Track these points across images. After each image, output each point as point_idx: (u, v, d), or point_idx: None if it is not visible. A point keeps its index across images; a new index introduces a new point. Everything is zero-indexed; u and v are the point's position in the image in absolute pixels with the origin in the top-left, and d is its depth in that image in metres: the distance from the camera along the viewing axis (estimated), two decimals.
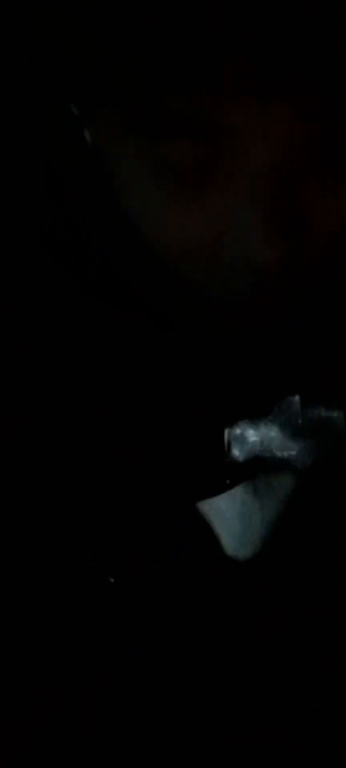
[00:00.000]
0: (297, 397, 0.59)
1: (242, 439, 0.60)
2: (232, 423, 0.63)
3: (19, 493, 0.68)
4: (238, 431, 0.61)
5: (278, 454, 0.61)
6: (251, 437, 0.60)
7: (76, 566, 0.70)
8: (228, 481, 0.66)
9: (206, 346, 0.64)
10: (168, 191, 0.45)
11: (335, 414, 0.60)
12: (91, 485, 0.68)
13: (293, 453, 0.62)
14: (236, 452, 0.60)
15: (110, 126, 0.45)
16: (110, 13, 0.41)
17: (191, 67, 0.40)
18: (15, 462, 0.67)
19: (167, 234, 0.48)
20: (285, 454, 0.61)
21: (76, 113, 0.47)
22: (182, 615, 0.70)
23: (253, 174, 0.43)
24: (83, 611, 0.70)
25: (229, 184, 0.44)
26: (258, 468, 0.62)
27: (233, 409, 0.64)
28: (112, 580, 0.65)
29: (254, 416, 0.61)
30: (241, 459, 0.61)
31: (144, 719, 0.69)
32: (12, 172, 0.58)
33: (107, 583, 0.68)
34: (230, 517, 0.67)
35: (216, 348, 0.62)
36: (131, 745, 0.69)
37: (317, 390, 0.63)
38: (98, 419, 0.66)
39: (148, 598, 0.70)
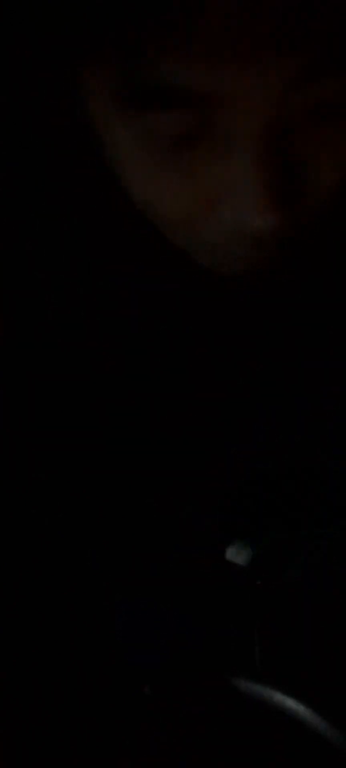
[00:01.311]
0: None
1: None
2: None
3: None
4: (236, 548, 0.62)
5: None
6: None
7: (76, 569, 0.70)
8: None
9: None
10: (161, 161, 0.45)
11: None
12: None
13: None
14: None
15: (103, 95, 0.44)
16: None
17: (180, 34, 0.39)
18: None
19: (161, 203, 0.47)
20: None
21: (68, 79, 0.46)
22: (182, 614, 0.70)
23: (246, 141, 0.42)
24: (83, 612, 0.70)
25: (222, 153, 0.44)
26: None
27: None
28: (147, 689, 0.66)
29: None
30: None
31: (144, 719, 0.69)
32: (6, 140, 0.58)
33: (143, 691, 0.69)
34: None
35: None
36: (131, 745, 0.69)
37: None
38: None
39: (147, 598, 0.70)
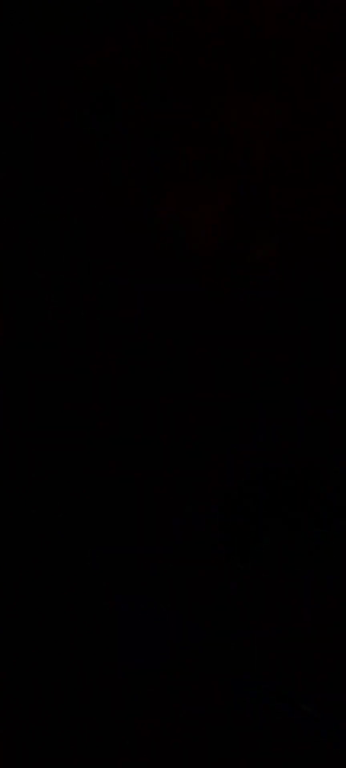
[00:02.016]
0: None
1: None
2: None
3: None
4: None
5: None
6: None
7: (76, 569, 0.70)
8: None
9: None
10: (176, 188, 0.45)
11: None
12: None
13: None
14: None
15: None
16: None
17: (190, 72, 0.40)
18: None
19: (177, 228, 0.48)
20: None
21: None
22: (181, 615, 0.70)
23: (249, 174, 0.43)
24: (83, 612, 0.70)
25: (230, 183, 0.44)
26: None
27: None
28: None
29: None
30: None
31: (143, 719, 0.69)
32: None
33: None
34: None
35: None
36: (131, 745, 0.69)
37: None
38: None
39: (148, 599, 0.70)
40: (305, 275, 0.55)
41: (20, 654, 0.70)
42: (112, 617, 0.71)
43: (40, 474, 0.70)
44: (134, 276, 0.62)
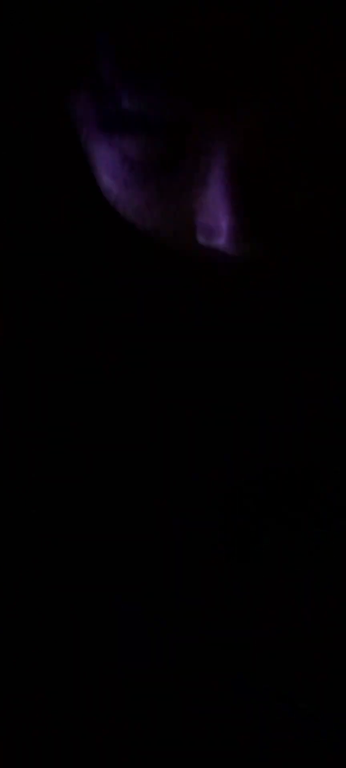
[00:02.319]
0: None
1: None
2: None
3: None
4: None
5: None
6: None
7: (76, 570, 0.70)
8: None
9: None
10: (140, 182, 0.45)
11: None
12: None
13: None
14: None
15: (85, 115, 0.45)
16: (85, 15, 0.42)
17: (146, 73, 0.40)
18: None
19: (146, 222, 0.48)
20: None
21: (55, 96, 0.47)
22: (181, 615, 0.70)
23: (218, 170, 0.43)
24: (83, 612, 0.70)
25: (198, 181, 0.45)
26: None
27: None
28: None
29: None
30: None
31: (144, 721, 0.69)
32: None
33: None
34: None
35: None
36: (131, 746, 0.69)
37: None
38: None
39: (147, 600, 0.70)
40: (304, 275, 0.56)
41: (20, 654, 0.71)
42: (112, 618, 0.72)
43: (39, 474, 0.70)
44: (132, 276, 0.62)
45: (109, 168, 0.46)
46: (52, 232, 0.61)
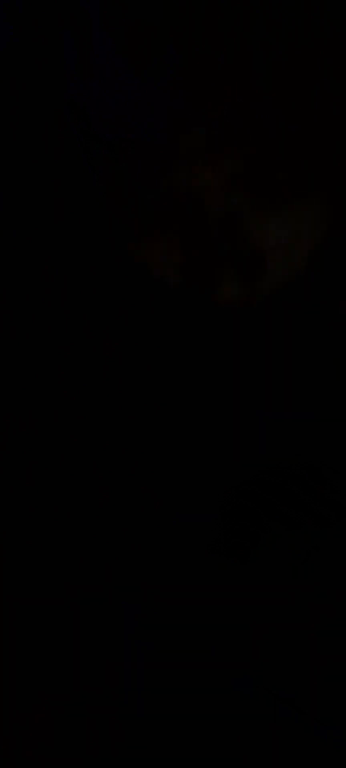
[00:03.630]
0: None
1: None
2: None
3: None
4: None
5: None
6: None
7: (76, 570, 0.70)
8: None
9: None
10: (133, 232, 0.46)
11: None
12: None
13: None
14: None
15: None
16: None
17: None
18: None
19: (136, 269, 0.49)
20: None
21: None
22: (181, 616, 0.70)
23: (207, 221, 0.44)
24: (83, 612, 0.70)
25: (186, 231, 0.45)
26: None
27: None
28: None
29: None
30: None
31: (144, 721, 0.69)
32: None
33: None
34: None
35: None
36: (131, 746, 0.69)
37: None
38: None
39: (148, 600, 0.70)
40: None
41: (21, 655, 0.70)
42: (112, 618, 0.71)
43: (39, 474, 0.70)
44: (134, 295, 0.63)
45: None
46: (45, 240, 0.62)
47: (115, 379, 0.69)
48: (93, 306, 0.67)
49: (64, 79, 0.44)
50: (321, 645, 0.70)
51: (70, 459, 0.70)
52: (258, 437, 0.71)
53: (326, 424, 0.70)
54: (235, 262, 0.46)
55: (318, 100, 0.42)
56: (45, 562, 0.71)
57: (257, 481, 0.72)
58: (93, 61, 0.42)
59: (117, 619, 0.71)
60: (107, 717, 0.70)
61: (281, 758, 0.68)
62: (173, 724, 0.69)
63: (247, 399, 0.69)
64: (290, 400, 0.69)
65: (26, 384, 0.68)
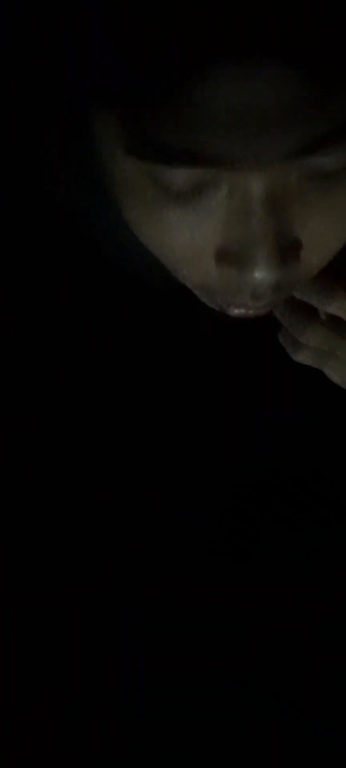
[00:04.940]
0: None
1: None
2: None
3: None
4: None
5: None
6: None
7: (76, 571, 0.70)
8: None
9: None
10: (173, 205, 0.46)
11: None
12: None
13: None
14: None
15: (109, 139, 0.46)
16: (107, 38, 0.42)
17: (181, 106, 0.41)
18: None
19: (166, 247, 0.48)
20: None
21: (74, 120, 0.47)
22: (181, 617, 0.70)
23: (247, 201, 0.44)
24: (83, 611, 0.70)
25: (224, 208, 0.45)
26: None
27: None
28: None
29: None
30: None
31: (144, 720, 0.69)
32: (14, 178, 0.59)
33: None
34: None
35: None
36: (131, 745, 0.69)
37: None
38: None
39: (148, 599, 0.70)
40: None
41: (21, 656, 0.71)
42: (112, 620, 0.72)
43: (38, 474, 0.70)
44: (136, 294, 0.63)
45: (133, 189, 0.47)
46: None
47: (113, 377, 0.69)
48: (92, 304, 0.67)
49: (65, 80, 0.44)
50: (321, 646, 0.70)
51: (70, 458, 0.70)
52: (258, 437, 0.72)
53: (325, 425, 0.70)
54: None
55: None
56: (45, 562, 0.71)
57: (256, 481, 0.72)
58: (93, 61, 0.42)
59: (117, 619, 0.71)
60: (107, 717, 0.70)
61: (280, 758, 0.68)
62: (172, 724, 0.70)
63: (246, 398, 0.69)
64: (291, 400, 0.69)
65: (26, 383, 0.68)
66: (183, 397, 0.68)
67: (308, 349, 0.57)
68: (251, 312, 0.52)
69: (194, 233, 0.48)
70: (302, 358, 0.57)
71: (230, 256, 0.47)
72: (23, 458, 0.69)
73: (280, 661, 0.70)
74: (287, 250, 0.47)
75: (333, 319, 0.56)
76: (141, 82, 0.41)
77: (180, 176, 0.45)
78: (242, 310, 0.52)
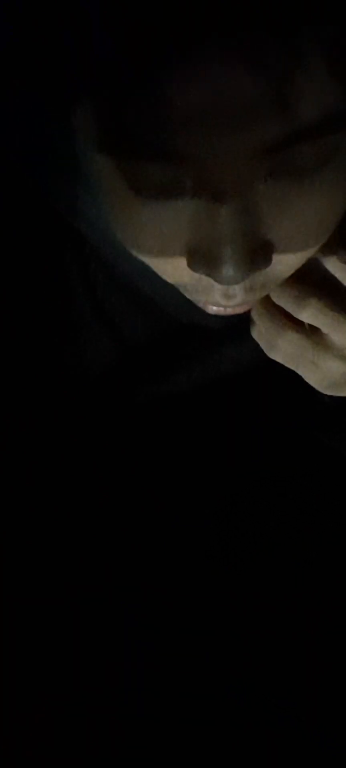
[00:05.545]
0: None
1: None
2: None
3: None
4: None
5: None
6: None
7: (76, 572, 0.71)
8: None
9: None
10: (141, 202, 0.46)
11: None
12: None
13: None
14: None
15: (86, 138, 0.46)
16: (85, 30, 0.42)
17: (154, 100, 0.41)
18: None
19: (141, 245, 0.49)
20: None
21: (54, 117, 0.47)
22: (180, 617, 0.70)
23: (213, 201, 0.44)
24: (83, 611, 0.70)
25: (191, 207, 0.45)
26: None
27: None
28: None
29: None
30: None
31: (143, 719, 0.69)
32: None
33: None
34: None
35: None
36: (131, 744, 0.69)
37: None
38: None
39: (147, 599, 0.70)
40: None
41: (21, 656, 0.71)
42: (112, 621, 0.72)
43: (39, 475, 0.70)
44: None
45: (112, 187, 0.47)
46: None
47: (113, 377, 0.69)
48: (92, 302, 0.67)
49: (64, 79, 0.44)
50: (321, 650, 0.70)
51: (71, 462, 0.70)
52: (256, 441, 0.71)
53: (323, 429, 0.70)
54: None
55: None
56: (45, 562, 0.71)
57: (255, 481, 0.72)
58: (93, 61, 0.42)
59: (117, 622, 0.71)
60: (107, 717, 0.70)
61: (279, 762, 0.68)
62: (172, 724, 0.70)
63: (244, 403, 0.69)
64: (288, 404, 0.69)
65: (25, 381, 0.68)
66: (183, 398, 0.68)
67: (283, 350, 0.57)
68: (228, 310, 0.52)
69: (164, 233, 0.48)
70: (275, 356, 0.58)
71: (199, 257, 0.47)
72: (24, 459, 0.69)
73: (277, 665, 0.70)
74: (256, 250, 0.46)
75: (309, 327, 0.56)
76: (111, 77, 0.41)
77: (148, 174, 0.45)
78: (219, 308, 0.52)
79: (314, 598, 0.71)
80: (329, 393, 0.59)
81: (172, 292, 0.53)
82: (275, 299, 0.55)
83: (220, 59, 0.40)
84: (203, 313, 0.54)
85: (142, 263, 0.51)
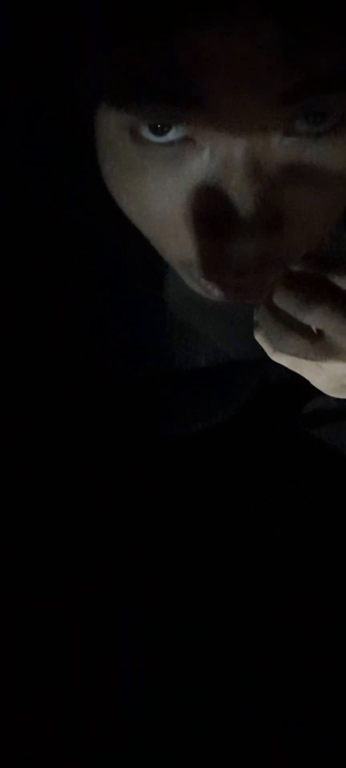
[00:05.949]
0: None
1: None
2: None
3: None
4: None
5: None
6: None
7: (75, 565, 0.70)
8: None
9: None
10: (145, 161, 0.45)
11: None
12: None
13: None
14: None
15: (92, 100, 0.45)
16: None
17: (161, 53, 0.40)
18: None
19: (141, 209, 0.48)
20: None
21: (60, 75, 0.47)
22: (181, 617, 0.70)
23: (228, 163, 0.43)
24: (83, 610, 0.70)
25: (204, 171, 0.44)
26: None
27: None
28: None
29: None
30: None
31: (143, 718, 0.69)
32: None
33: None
34: None
35: None
36: (131, 744, 0.69)
37: None
38: None
39: (147, 598, 0.70)
40: None
41: (21, 657, 0.71)
42: (112, 623, 0.72)
43: (39, 474, 0.70)
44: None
45: (116, 147, 0.46)
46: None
47: (112, 375, 0.69)
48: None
49: (64, 80, 0.44)
50: (321, 650, 0.70)
51: (71, 463, 0.70)
52: (256, 439, 0.71)
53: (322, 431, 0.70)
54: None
55: None
56: (45, 562, 0.71)
57: (255, 481, 0.72)
58: (93, 61, 0.42)
59: (117, 623, 0.71)
60: (107, 717, 0.70)
61: (279, 763, 0.68)
62: (172, 725, 0.70)
63: (243, 411, 0.69)
64: (290, 399, 0.69)
65: (26, 381, 0.68)
66: (183, 400, 0.69)
67: (287, 353, 0.56)
68: (231, 295, 0.51)
69: (173, 198, 0.46)
70: (279, 359, 0.57)
71: (209, 224, 0.46)
72: (23, 460, 0.69)
73: (277, 665, 0.70)
74: (269, 220, 0.45)
75: (314, 330, 0.55)
76: (131, 21, 0.40)
77: (157, 127, 0.44)
78: (223, 291, 0.51)
79: (314, 598, 0.71)
80: (335, 396, 0.59)
81: (172, 292, 0.53)
82: (279, 302, 0.54)
83: (240, 4, 0.39)
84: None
85: (142, 268, 0.50)
